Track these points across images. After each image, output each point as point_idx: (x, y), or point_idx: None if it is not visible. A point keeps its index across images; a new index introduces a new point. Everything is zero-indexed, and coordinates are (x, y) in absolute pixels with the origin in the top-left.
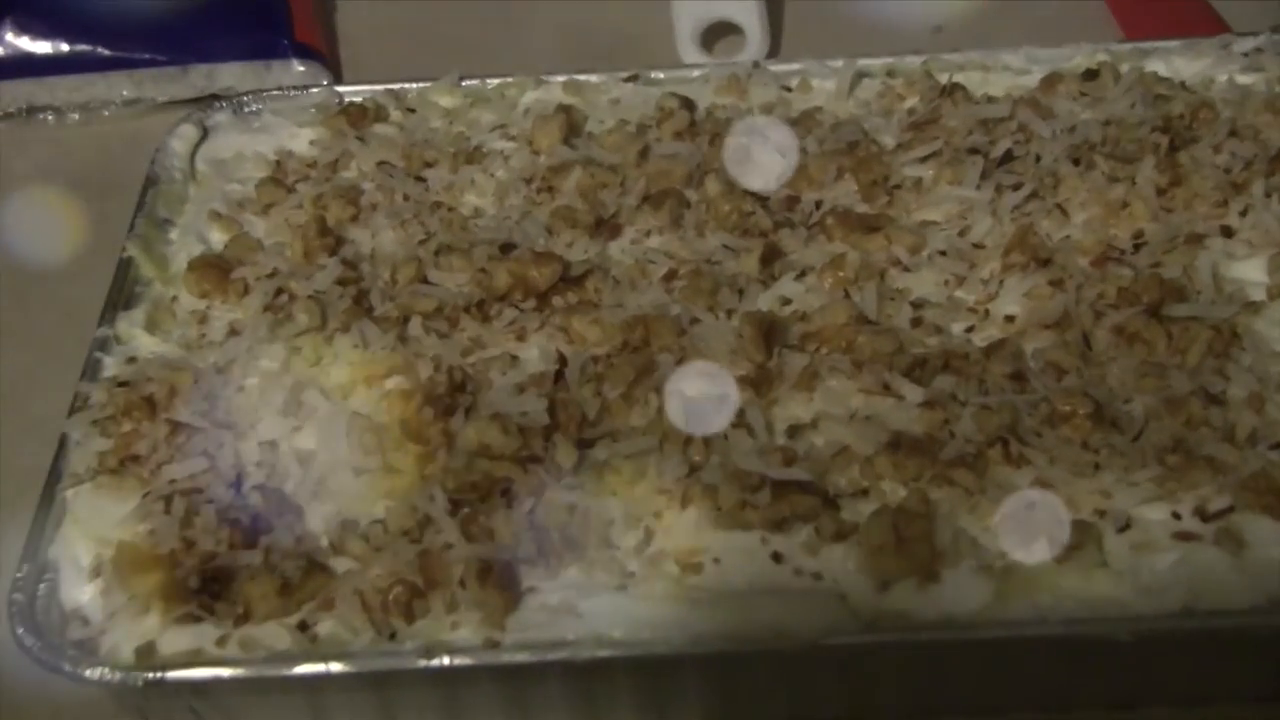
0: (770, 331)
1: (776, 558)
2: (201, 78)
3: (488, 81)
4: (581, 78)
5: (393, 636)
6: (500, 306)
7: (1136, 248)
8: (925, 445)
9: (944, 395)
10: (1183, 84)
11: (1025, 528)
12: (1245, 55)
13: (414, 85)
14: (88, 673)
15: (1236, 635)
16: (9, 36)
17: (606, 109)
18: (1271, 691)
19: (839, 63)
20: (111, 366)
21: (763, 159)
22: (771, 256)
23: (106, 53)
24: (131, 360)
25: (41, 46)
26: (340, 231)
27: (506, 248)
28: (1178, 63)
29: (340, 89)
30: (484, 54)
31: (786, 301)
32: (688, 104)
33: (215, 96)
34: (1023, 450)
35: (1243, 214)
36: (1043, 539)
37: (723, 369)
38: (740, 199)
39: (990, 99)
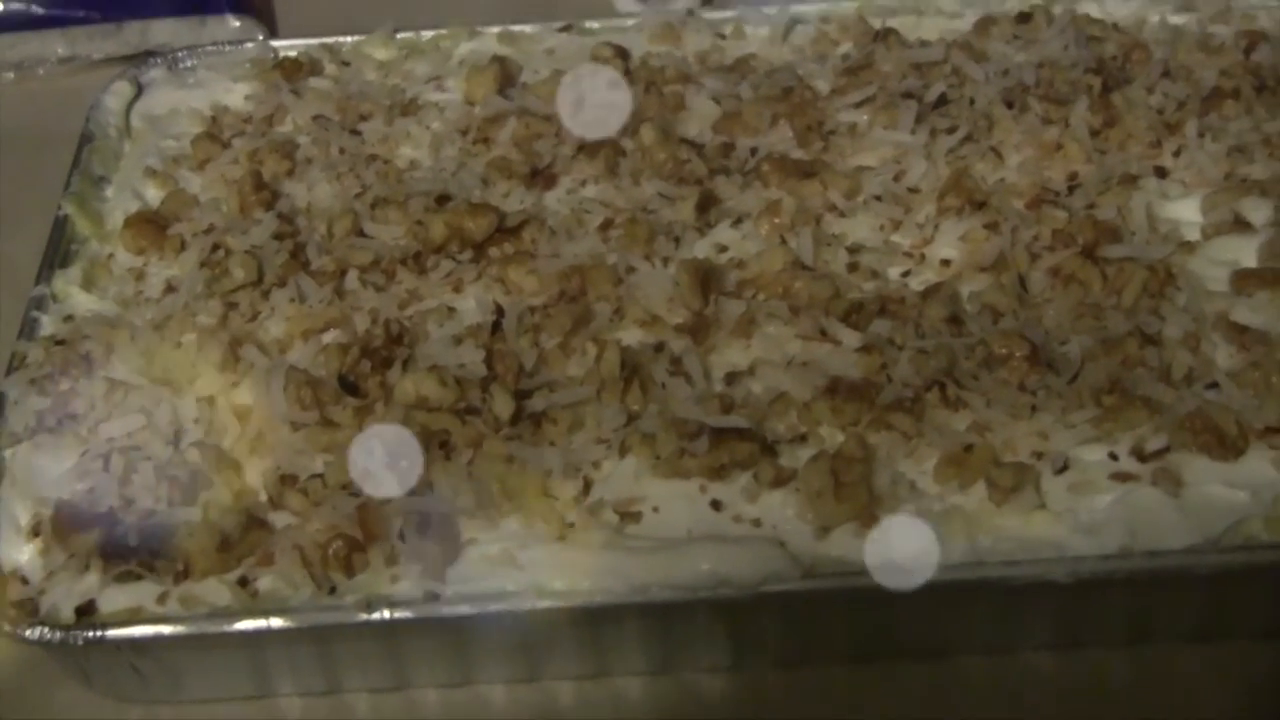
0: (707, 279)
1: (716, 505)
2: (136, 34)
3: (422, 34)
4: (516, 28)
5: (333, 590)
6: (437, 258)
7: (1071, 189)
8: (862, 390)
9: (881, 340)
10: (1115, 25)
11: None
12: None
13: (348, 39)
14: (28, 633)
15: (1175, 574)
16: None
17: (541, 59)
18: (1210, 630)
19: (773, 9)
20: (48, 325)
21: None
22: (707, 203)
23: (40, 11)
24: (68, 319)
25: None
26: (276, 186)
27: (442, 199)
28: (1110, 4)
29: (275, 43)
30: (418, 6)
31: (723, 248)
32: (622, 53)
33: (150, 53)
34: (960, 393)
35: (1176, 154)
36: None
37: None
38: (676, 147)
39: (924, 43)
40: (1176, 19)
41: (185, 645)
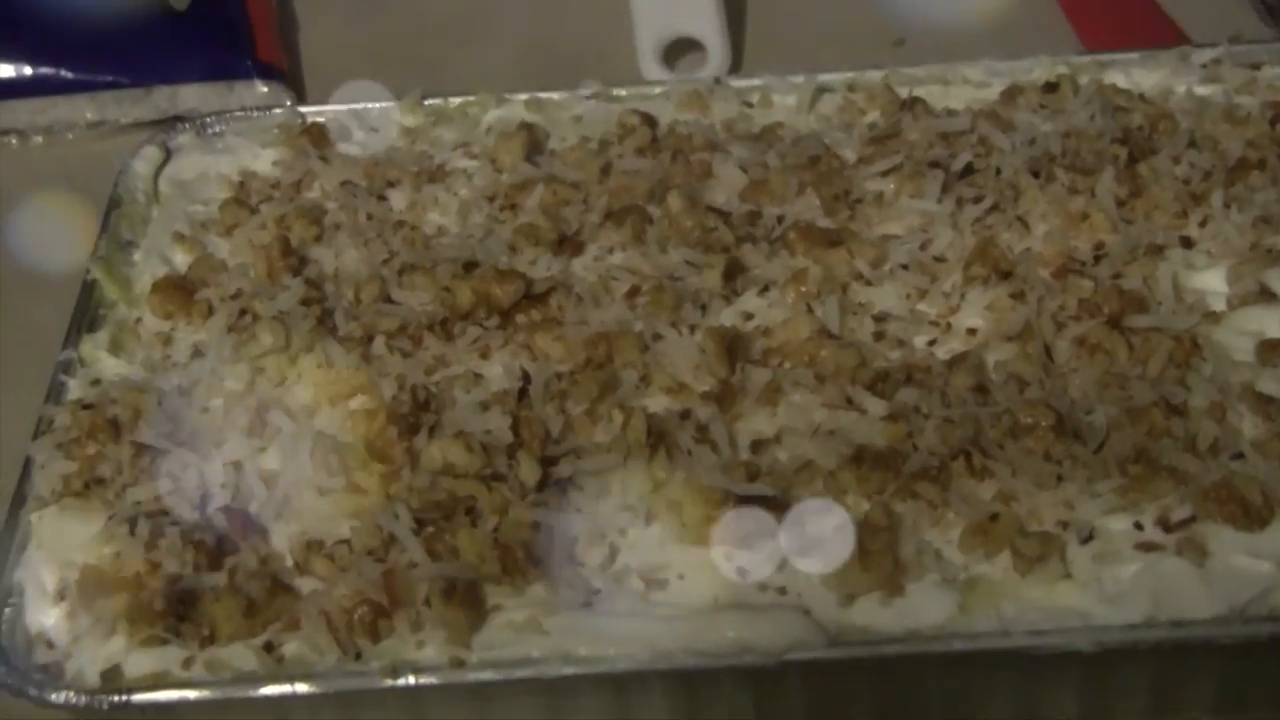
0: (733, 346)
1: (743, 572)
2: (164, 99)
3: (450, 100)
4: (544, 95)
5: (358, 656)
6: (464, 325)
7: (1097, 259)
8: (888, 458)
9: (907, 408)
10: (1141, 95)
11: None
12: (1203, 66)
13: (376, 105)
14: (53, 697)
15: (1201, 645)
16: None
17: (569, 126)
18: (1234, 701)
19: (800, 78)
20: (75, 389)
21: None
22: (734, 271)
23: (69, 75)
24: (95, 383)
25: (3, 70)
26: (304, 251)
27: (469, 266)
28: (1136, 74)
29: (303, 109)
30: (447, 73)
31: (749, 316)
32: (649, 120)
33: (178, 118)
34: (985, 462)
35: (1202, 224)
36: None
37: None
38: (703, 214)
39: (950, 112)
40: (1202, 90)
41: (210, 709)
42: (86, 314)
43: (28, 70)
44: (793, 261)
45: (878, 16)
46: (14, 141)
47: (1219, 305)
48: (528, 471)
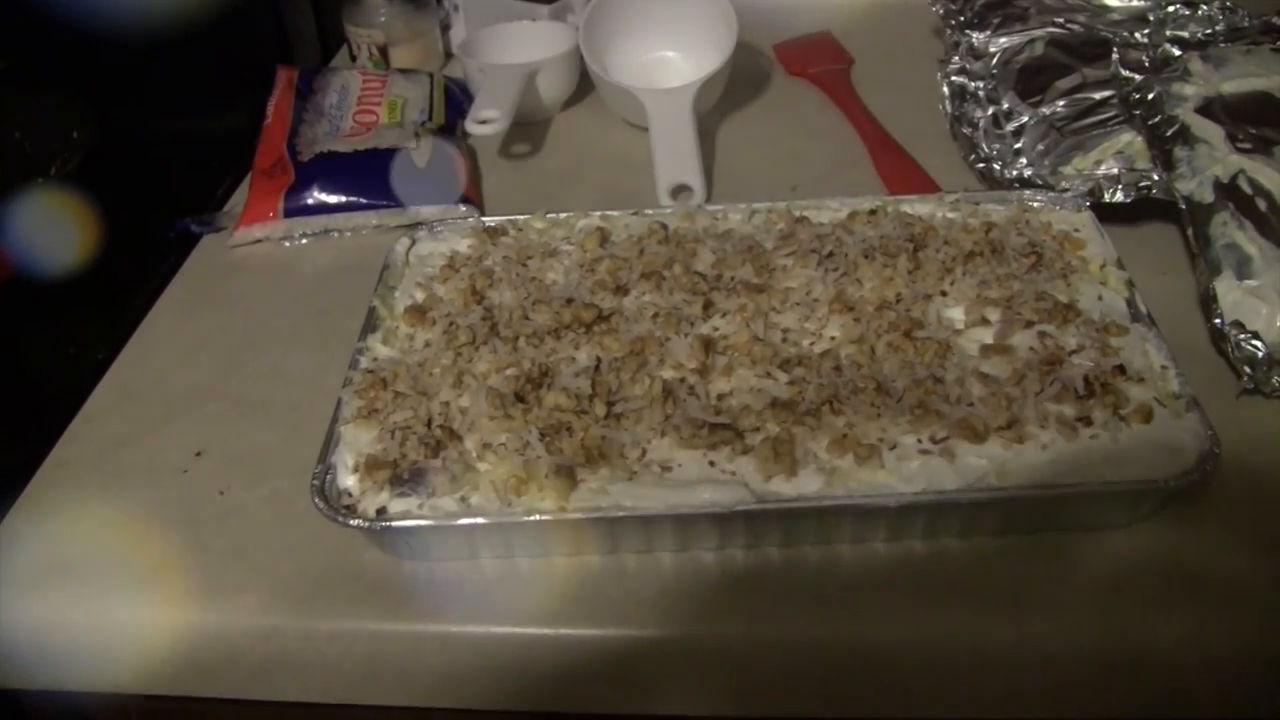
0: (708, 344)
1: (712, 464)
2: (413, 215)
3: (561, 214)
4: (611, 213)
5: (510, 504)
6: (566, 332)
7: (897, 300)
8: (790, 404)
9: (800, 378)
10: (919, 217)
11: None
12: (950, 203)
13: (522, 216)
14: (352, 522)
15: (950, 503)
16: (315, 192)
17: (623, 228)
18: (965, 533)
19: (743, 205)
20: (364, 363)
21: None
22: (708, 306)
23: (365, 200)
24: (374, 359)
25: (332, 199)
26: (483, 292)
27: (570, 300)
28: (917, 206)
29: (484, 219)
30: (559, 201)
31: (716, 328)
32: (664, 226)
33: (420, 223)
34: (840, 407)
35: (952, 283)
36: None
37: None
38: (692, 276)
39: (821, 224)
40: (951, 214)
41: (432, 532)
42: (370, 323)
43: (343, 198)
44: (740, 300)
45: (782, 173)
46: (335, 235)
47: (960, 326)
48: (599, 409)
